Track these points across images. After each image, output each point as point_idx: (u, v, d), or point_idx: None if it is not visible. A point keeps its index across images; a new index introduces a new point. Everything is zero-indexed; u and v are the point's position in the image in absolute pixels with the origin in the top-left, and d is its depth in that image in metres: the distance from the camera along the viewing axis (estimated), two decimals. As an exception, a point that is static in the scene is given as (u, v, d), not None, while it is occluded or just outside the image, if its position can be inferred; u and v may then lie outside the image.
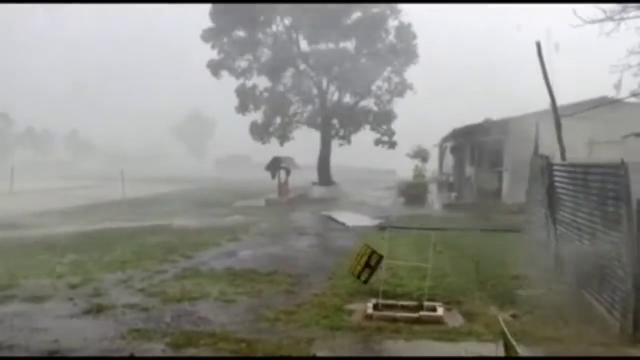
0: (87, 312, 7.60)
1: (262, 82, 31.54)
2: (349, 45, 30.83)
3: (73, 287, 9.01)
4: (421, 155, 32.04)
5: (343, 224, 18.23)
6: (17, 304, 8.04)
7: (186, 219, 19.14)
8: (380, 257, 8.40)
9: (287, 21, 30.17)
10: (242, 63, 30.92)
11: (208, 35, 29.93)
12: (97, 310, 7.63)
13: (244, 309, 7.83)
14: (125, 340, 6.40)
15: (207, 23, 29.89)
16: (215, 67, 30.45)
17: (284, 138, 31.95)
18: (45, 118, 78.01)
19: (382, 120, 31.82)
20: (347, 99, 32.14)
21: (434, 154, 37.24)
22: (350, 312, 7.60)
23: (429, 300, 7.73)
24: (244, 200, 27.20)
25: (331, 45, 30.18)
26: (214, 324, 7.13)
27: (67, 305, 7.96)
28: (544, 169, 10.84)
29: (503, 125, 21.42)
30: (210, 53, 30.52)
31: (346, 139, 32.14)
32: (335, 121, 31.77)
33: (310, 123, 32.03)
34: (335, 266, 10.91)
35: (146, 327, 6.91)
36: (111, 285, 9.17)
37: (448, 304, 7.90)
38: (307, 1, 27.35)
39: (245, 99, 31.18)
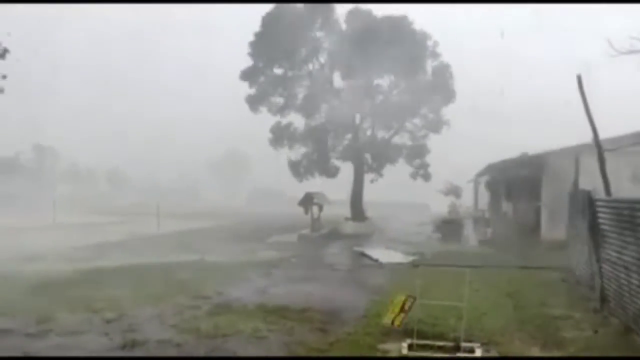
0: (122, 347, 7.65)
1: (297, 118, 32.12)
2: (383, 82, 31.18)
3: (108, 321, 9.11)
4: (453, 191, 31.62)
5: (376, 260, 17.98)
6: (54, 337, 8.17)
7: (219, 255, 19.27)
8: (414, 300, 8.20)
9: (322, 59, 30.85)
10: (279, 100, 31.60)
11: (246, 74, 30.80)
12: (132, 346, 7.67)
13: (276, 346, 7.73)
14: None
15: (245, 60, 30.73)
16: (253, 103, 31.21)
17: (317, 173, 32.17)
18: (88, 152, 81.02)
19: (416, 154, 31.70)
20: (381, 134, 32.27)
21: (468, 189, 36.69)
22: (384, 352, 7.40)
23: (466, 340, 7.46)
24: (277, 236, 27.27)
25: (365, 82, 30.56)
26: (246, 361, 7.05)
27: (102, 339, 8.04)
28: (587, 204, 10.49)
29: (541, 159, 20.99)
30: (247, 89, 31.30)
31: (379, 173, 32.06)
32: (368, 156, 31.83)
33: (343, 158, 32.20)
34: (368, 304, 10.70)
35: (179, 363, 6.90)
36: (145, 320, 9.23)
37: (486, 345, 7.60)
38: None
39: (281, 136, 31.71)
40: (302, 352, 7.38)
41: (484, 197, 32.62)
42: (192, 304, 10.61)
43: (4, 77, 15.52)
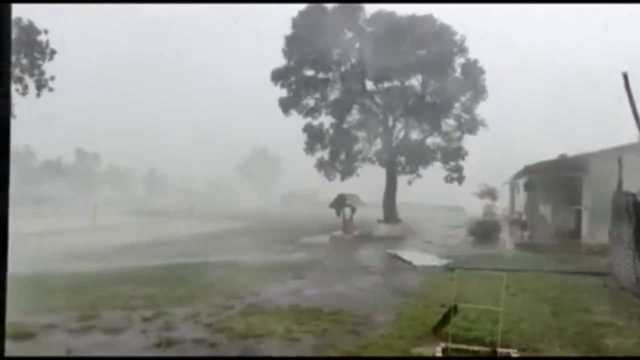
0: (158, 345, 7.81)
1: (328, 119, 32.12)
2: (415, 82, 30.89)
3: (146, 320, 9.32)
4: (488, 194, 30.96)
5: (409, 263, 17.80)
6: (96, 334, 8.42)
7: (252, 255, 19.46)
8: (455, 307, 8.06)
9: (353, 60, 30.78)
10: (310, 102, 31.70)
11: (277, 75, 31.03)
12: (167, 345, 7.82)
13: (309, 348, 7.74)
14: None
15: (276, 60, 30.97)
16: (285, 105, 31.40)
17: (349, 175, 32.09)
18: (127, 155, 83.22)
19: (451, 157, 31.20)
20: (415, 135, 31.96)
21: (504, 192, 35.90)
22: (418, 355, 7.30)
23: (502, 346, 7.29)
24: (309, 237, 27.35)
25: (397, 83, 30.36)
26: (279, 362, 7.09)
27: (140, 338, 8.23)
28: (631, 207, 10.10)
29: (582, 161, 20.35)
30: (278, 90, 31.53)
31: (414, 175, 31.73)
32: (401, 158, 31.57)
33: (377, 160, 32.02)
34: (402, 307, 10.59)
35: (213, 363, 6.99)
36: (181, 319, 9.40)
37: (524, 351, 7.41)
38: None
39: (312, 138, 31.79)
40: (334, 355, 7.36)
41: (521, 200, 31.84)
42: (226, 303, 10.75)
43: (53, 78, 16.17)
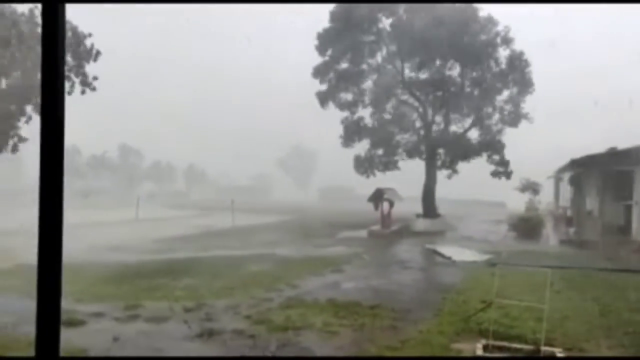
0: (199, 335, 7.98)
1: (366, 113, 31.91)
2: (455, 73, 30.27)
3: (187, 310, 9.55)
4: (531, 188, 30.06)
5: (449, 258, 17.52)
6: (140, 323, 8.70)
7: (290, 249, 19.61)
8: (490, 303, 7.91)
9: (391, 50, 30.40)
10: (347, 96, 31.57)
11: (316, 70, 31.05)
12: (209, 335, 7.98)
13: (347, 342, 7.74)
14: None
15: (313, 53, 30.96)
16: (322, 99, 31.40)
17: (387, 169, 31.81)
18: (169, 150, 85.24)
19: (492, 150, 30.45)
20: (454, 128, 31.36)
21: (548, 186, 34.79)
22: (458, 352, 7.19)
23: (546, 344, 7.08)
24: (347, 232, 27.30)
25: (436, 74, 29.82)
26: (318, 355, 7.12)
27: (182, 327, 8.44)
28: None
29: (633, 155, 19.46)
30: (316, 83, 31.54)
31: (453, 169, 31.17)
32: (441, 151, 31.04)
33: (415, 154, 31.59)
34: (441, 302, 10.45)
35: (252, 354, 7.08)
36: (221, 310, 9.58)
37: (569, 351, 7.17)
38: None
39: (350, 131, 31.67)
40: (373, 350, 7.34)
41: (566, 195, 30.79)
42: (265, 296, 10.88)
43: (95, 78, 16.72)
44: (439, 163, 31.04)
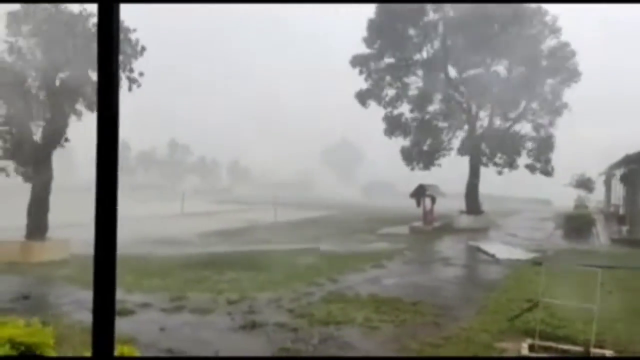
0: (243, 327, 8.16)
1: (409, 108, 31.49)
2: (500, 68, 29.45)
3: (231, 303, 9.76)
4: (585, 185, 28.92)
5: (492, 255, 17.15)
6: (185, 314, 8.97)
7: (332, 244, 19.68)
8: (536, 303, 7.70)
9: (435, 47, 29.88)
10: (390, 91, 31.26)
11: (357, 61, 30.86)
12: (252, 327, 8.15)
13: (388, 338, 7.73)
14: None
15: (358, 49, 30.77)
16: (363, 97, 31.21)
17: (430, 165, 31.35)
18: (215, 146, 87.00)
19: (540, 146, 29.45)
20: (499, 123, 30.49)
21: (599, 183, 33.43)
22: (502, 351, 7.05)
23: (596, 346, 6.84)
24: (389, 228, 27.13)
25: (481, 70, 29.10)
26: (359, 350, 7.15)
27: (226, 319, 8.64)
28: None
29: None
30: (358, 79, 31.33)
31: (497, 165, 30.35)
32: (485, 147, 30.28)
33: (459, 150, 30.98)
34: (484, 300, 10.27)
35: (294, 347, 7.18)
36: (264, 303, 9.75)
37: (621, 353, 6.90)
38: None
39: (393, 127, 31.37)
40: (414, 346, 7.30)
41: (618, 192, 29.49)
42: (307, 290, 10.99)
43: (142, 74, 17.22)
44: (483, 159, 30.30)
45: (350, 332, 7.95)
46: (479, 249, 18.77)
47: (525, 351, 6.78)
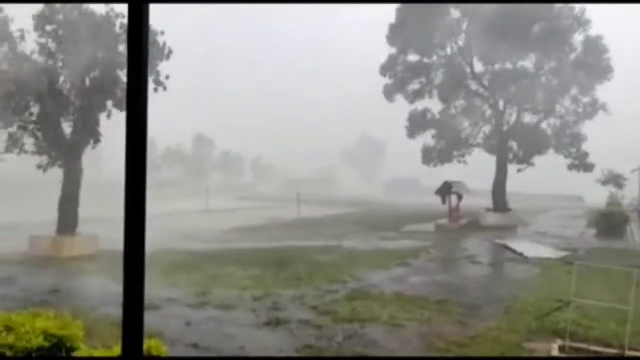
0: (267, 323, 8.18)
1: (434, 104, 31.15)
2: (528, 63, 28.82)
3: (255, 299, 9.80)
4: (614, 181, 28.09)
5: (521, 254, 16.80)
6: (210, 309, 9.04)
7: (355, 241, 19.60)
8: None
9: (460, 42, 29.42)
10: (415, 86, 30.94)
11: (384, 61, 30.63)
12: (276, 323, 8.16)
13: (413, 336, 7.64)
14: (299, 355, 6.71)
15: (380, 45, 30.53)
16: (389, 92, 30.98)
17: (455, 161, 30.93)
18: (236, 142, 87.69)
19: (569, 142, 28.75)
20: (527, 119, 29.86)
21: (633, 180, 32.43)
22: (531, 352, 6.89)
23: (630, 349, 6.62)
24: (413, 225, 26.89)
25: (508, 64, 28.53)
26: (384, 348, 7.08)
27: (250, 315, 8.68)
28: None
29: None
30: (381, 76, 31.07)
31: (525, 162, 29.71)
32: (513, 144, 29.70)
33: (485, 146, 30.48)
34: (512, 300, 10.06)
35: (319, 344, 7.16)
36: (287, 300, 9.75)
37: (657, 356, 6.68)
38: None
39: (417, 123, 31.05)
40: (440, 344, 7.20)
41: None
42: (331, 287, 10.95)
43: (167, 77, 17.44)
44: (510, 155, 29.74)
45: (374, 330, 7.88)
46: (506, 247, 18.43)
47: (555, 352, 6.62)
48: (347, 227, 25.37)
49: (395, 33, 29.73)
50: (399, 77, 30.50)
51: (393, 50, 30.20)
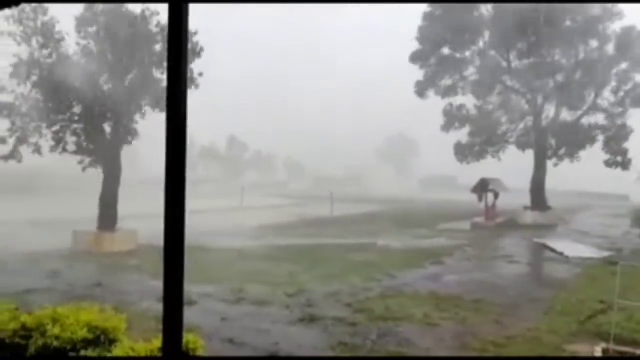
0: (301, 320, 8.22)
1: (469, 100, 30.58)
2: (563, 56, 27.90)
3: (289, 296, 9.87)
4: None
5: (561, 253, 16.33)
6: (246, 306, 9.16)
7: (390, 239, 19.47)
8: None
9: (493, 36, 28.68)
10: (448, 82, 30.44)
11: (415, 57, 30.26)
12: (310, 320, 8.20)
13: (449, 335, 7.54)
14: (334, 352, 6.72)
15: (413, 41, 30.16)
16: (421, 89, 30.61)
17: (491, 158, 30.28)
18: (269, 141, 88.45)
19: (614, 137, 27.63)
20: (566, 114, 28.93)
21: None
22: (572, 354, 6.69)
23: (679, 353, 6.36)
24: (448, 223, 26.54)
25: (545, 58, 27.69)
26: (418, 346, 7.02)
27: (284, 312, 8.75)
28: None
29: None
30: (413, 74, 30.74)
31: (565, 159, 28.79)
32: (552, 140, 28.83)
33: (522, 143, 29.70)
34: (552, 300, 9.79)
35: (353, 342, 7.15)
36: (322, 297, 9.78)
37: None
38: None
39: (451, 119, 30.56)
40: (476, 344, 7.08)
41: None
42: (365, 285, 10.92)
43: (201, 74, 17.71)
44: (549, 152, 28.88)
45: (409, 329, 7.82)
46: (545, 247, 17.96)
47: (598, 355, 6.41)
48: (381, 225, 25.24)
49: (426, 29, 29.31)
50: (431, 73, 30.07)
51: (425, 46, 29.79)
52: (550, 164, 28.92)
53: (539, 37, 26.14)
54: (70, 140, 16.58)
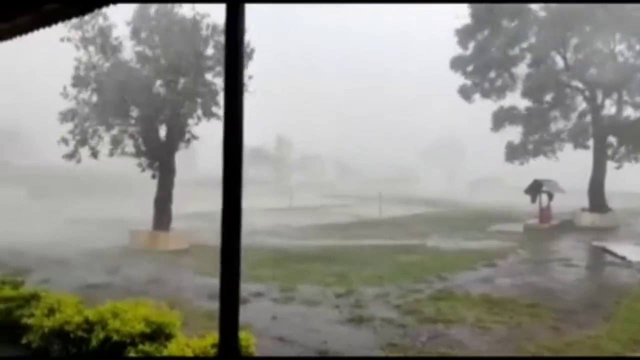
0: (350, 320, 8.23)
1: (519, 99, 29.54)
2: (626, 48, 26.42)
3: (338, 296, 9.90)
4: None
5: (623, 258, 15.52)
6: (295, 305, 9.26)
7: (439, 240, 19.16)
8: None
9: (543, 31, 27.44)
10: (497, 82, 29.51)
11: (463, 58, 29.53)
12: (359, 320, 8.19)
13: (502, 339, 7.34)
14: (383, 353, 6.69)
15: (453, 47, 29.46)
16: (466, 93, 29.81)
17: (544, 157, 29.12)
18: (321, 143, 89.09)
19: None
20: (629, 112, 27.40)
21: None
22: (636, 364, 6.37)
23: None
24: (499, 225, 25.77)
25: (603, 53, 26.34)
26: (470, 349, 6.87)
27: (333, 312, 8.78)
28: None
29: None
30: (460, 73, 29.99)
31: (628, 159, 27.23)
32: (612, 139, 27.39)
33: (578, 142, 28.39)
34: (613, 306, 9.33)
35: (403, 343, 7.09)
36: (370, 298, 9.75)
37: None
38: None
39: (501, 119, 29.63)
40: (532, 349, 6.85)
41: None
42: (415, 287, 10.79)
43: (251, 77, 18.03)
44: (609, 152, 27.47)
45: (460, 331, 7.67)
46: (605, 250, 17.13)
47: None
48: (430, 226, 24.86)
49: (473, 27, 28.50)
50: (479, 73, 29.20)
51: (472, 44, 28.99)
52: (610, 165, 27.52)
53: (598, 28, 24.87)
54: (128, 142, 17.33)
